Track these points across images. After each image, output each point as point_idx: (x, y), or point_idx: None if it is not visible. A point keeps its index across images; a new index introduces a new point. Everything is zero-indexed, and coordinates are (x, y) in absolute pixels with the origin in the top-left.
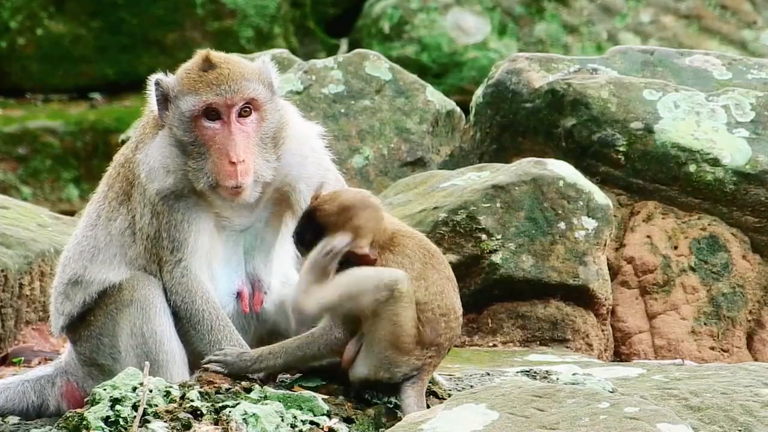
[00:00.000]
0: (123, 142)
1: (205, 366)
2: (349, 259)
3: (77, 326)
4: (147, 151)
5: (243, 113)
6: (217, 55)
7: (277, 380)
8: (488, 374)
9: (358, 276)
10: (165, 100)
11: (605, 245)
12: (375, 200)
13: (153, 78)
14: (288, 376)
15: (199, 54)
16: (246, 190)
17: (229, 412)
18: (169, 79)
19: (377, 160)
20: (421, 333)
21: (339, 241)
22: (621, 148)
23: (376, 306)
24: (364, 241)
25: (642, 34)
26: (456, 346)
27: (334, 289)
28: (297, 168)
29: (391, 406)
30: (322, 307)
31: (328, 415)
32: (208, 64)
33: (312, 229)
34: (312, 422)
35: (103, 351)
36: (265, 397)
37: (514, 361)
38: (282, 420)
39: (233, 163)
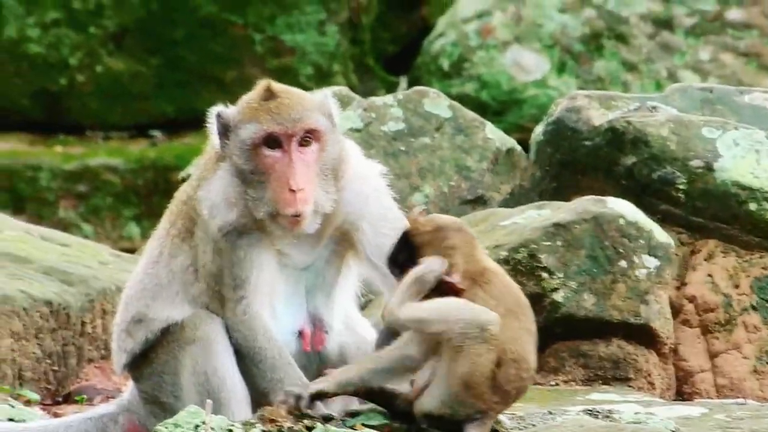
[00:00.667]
0: (183, 179)
1: (281, 401)
2: (439, 287)
3: (139, 364)
4: (208, 187)
5: (303, 143)
6: (278, 86)
7: (339, 419)
8: (550, 413)
9: (457, 304)
10: (226, 131)
11: (667, 284)
12: (470, 230)
13: (213, 110)
14: (356, 407)
15: (261, 84)
16: (305, 219)
17: None
18: (229, 111)
19: (437, 198)
20: (495, 376)
21: (437, 263)
22: (681, 186)
23: (462, 340)
24: (455, 268)
25: (701, 71)
26: None
27: (431, 308)
28: (359, 206)
29: None
30: (413, 318)
31: None
32: (269, 94)
33: (406, 250)
34: None
35: (164, 389)
36: None
37: (576, 400)
38: None
39: (292, 191)
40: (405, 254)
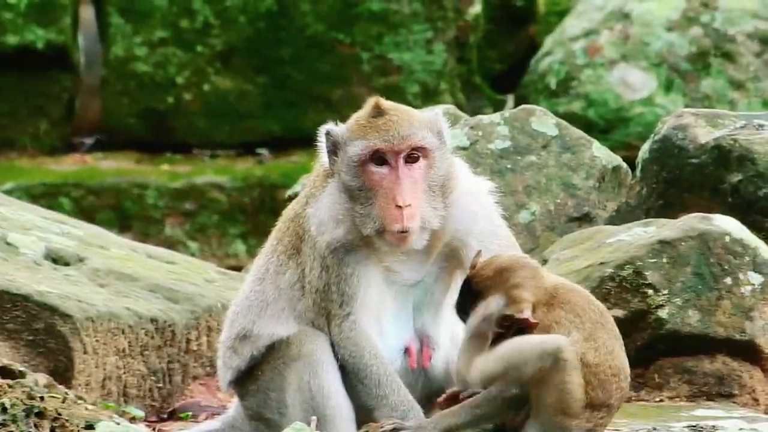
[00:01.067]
0: (290, 197)
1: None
2: (514, 326)
3: (244, 381)
4: (317, 204)
5: (410, 159)
6: (387, 103)
7: None
8: (655, 429)
9: (520, 344)
10: (335, 148)
11: None
12: (531, 261)
13: (323, 128)
14: None
15: (369, 102)
16: (412, 235)
17: None
18: (338, 128)
19: (543, 216)
20: (591, 396)
21: (494, 304)
22: None
23: (541, 374)
24: (524, 304)
25: None
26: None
27: (496, 359)
28: (467, 223)
29: None
30: (485, 377)
31: None
32: (377, 111)
33: (470, 296)
34: None
35: (270, 405)
36: None
37: (680, 416)
38: None
39: (399, 207)
40: (469, 301)
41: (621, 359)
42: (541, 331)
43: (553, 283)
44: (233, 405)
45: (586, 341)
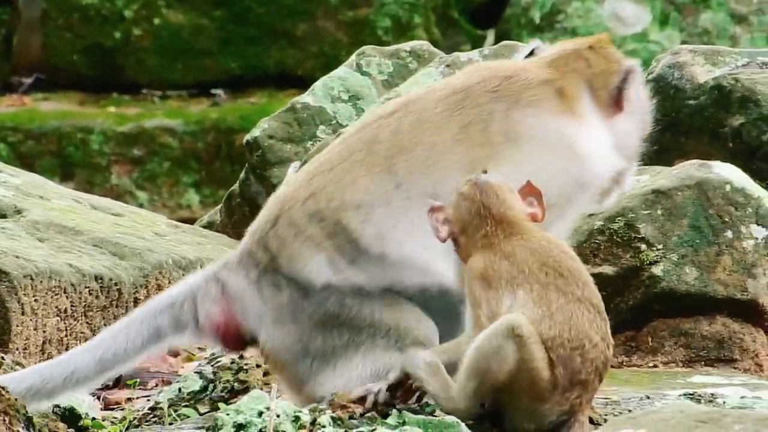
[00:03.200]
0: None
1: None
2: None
3: None
4: None
5: None
6: None
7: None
8: (648, 398)
9: (478, 347)
10: None
11: None
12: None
13: None
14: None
15: None
16: None
17: None
18: None
19: None
20: (554, 375)
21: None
22: None
23: (511, 363)
24: (439, 214)
25: None
26: (613, 366)
27: (466, 377)
28: None
29: None
30: (469, 399)
31: None
32: None
33: None
34: None
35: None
36: (404, 423)
37: (676, 383)
38: None
39: None
40: None
41: (583, 326)
42: (474, 276)
43: (518, 231)
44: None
45: (536, 305)
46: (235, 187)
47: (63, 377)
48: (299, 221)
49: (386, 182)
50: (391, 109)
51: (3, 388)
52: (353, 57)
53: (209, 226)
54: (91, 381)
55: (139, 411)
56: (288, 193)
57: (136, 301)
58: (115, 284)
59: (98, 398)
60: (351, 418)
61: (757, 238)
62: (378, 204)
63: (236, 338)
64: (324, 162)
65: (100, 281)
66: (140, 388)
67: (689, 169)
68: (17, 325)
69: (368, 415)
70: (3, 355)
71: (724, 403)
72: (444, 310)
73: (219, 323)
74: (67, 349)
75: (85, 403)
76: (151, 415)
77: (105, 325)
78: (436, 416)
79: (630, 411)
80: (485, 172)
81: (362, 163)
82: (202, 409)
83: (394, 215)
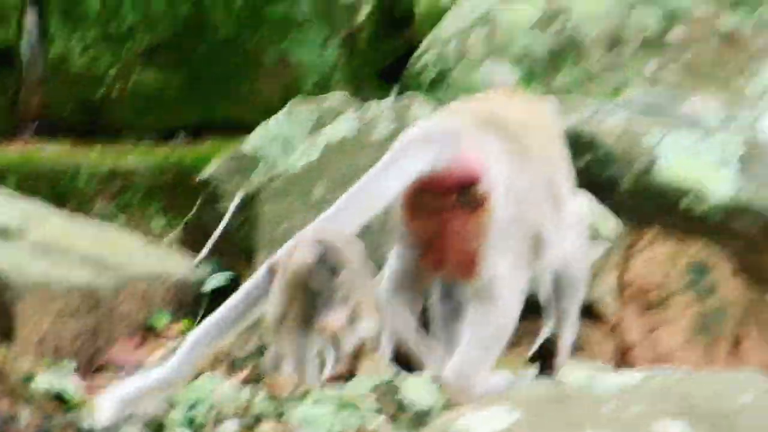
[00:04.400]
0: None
1: None
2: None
3: None
4: None
5: None
6: None
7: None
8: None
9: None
10: None
11: (613, 267)
12: None
13: None
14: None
15: None
16: None
17: (289, 414)
18: None
19: None
20: None
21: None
22: (627, 183)
23: None
24: None
25: (647, 83)
26: None
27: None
28: None
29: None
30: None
31: (379, 412)
32: None
33: None
34: (361, 422)
35: None
36: (321, 401)
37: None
38: (334, 421)
39: None
40: None
41: None
42: None
43: None
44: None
45: None
46: (191, 216)
47: None
48: None
49: None
50: None
51: (2, 371)
52: (286, 108)
53: (172, 244)
54: None
55: None
56: None
57: (113, 306)
58: (98, 291)
59: (83, 380)
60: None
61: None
62: None
63: None
64: None
65: (85, 288)
66: (117, 374)
67: None
68: (20, 326)
69: (296, 392)
70: (7, 349)
71: (569, 383)
72: None
73: None
74: (59, 346)
75: (72, 386)
76: None
77: (89, 324)
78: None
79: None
80: None
81: None
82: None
83: None
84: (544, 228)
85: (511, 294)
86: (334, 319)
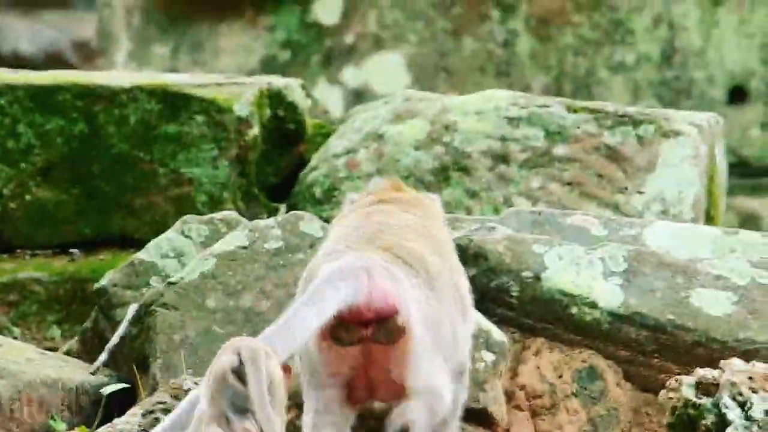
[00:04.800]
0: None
1: None
2: None
3: None
4: None
5: None
6: None
7: None
8: None
9: None
10: None
11: (501, 375)
12: None
13: None
14: None
15: None
16: None
17: None
18: None
19: None
20: None
21: None
22: (514, 293)
23: None
24: None
25: (532, 198)
26: None
27: None
28: None
29: None
30: None
31: None
32: None
33: None
34: None
35: None
36: None
37: None
38: None
39: None
40: None
41: None
42: None
43: None
44: None
45: None
46: (88, 323)
47: None
48: None
49: None
50: None
51: None
52: (178, 223)
53: (68, 353)
54: None
55: None
56: None
57: (12, 411)
58: None
59: None
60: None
61: (486, 361)
62: None
63: None
64: None
65: None
66: None
67: None
68: None
69: None
70: None
71: None
72: None
73: None
74: None
75: None
76: None
77: None
78: None
79: None
80: None
81: None
82: None
83: None
84: (461, 348)
85: (449, 397)
86: (243, 427)
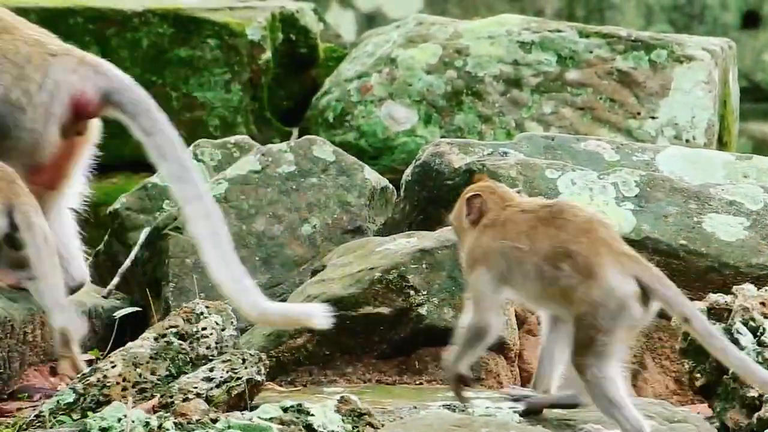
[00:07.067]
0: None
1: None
2: None
3: None
4: None
5: None
6: None
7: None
8: (415, 407)
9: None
10: None
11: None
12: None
13: None
14: None
15: None
16: None
17: None
18: None
19: (323, 229)
20: None
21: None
22: None
23: None
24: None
25: (544, 123)
26: (387, 383)
27: None
28: None
29: None
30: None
31: None
32: None
33: None
34: None
35: None
36: (229, 427)
37: (437, 396)
38: None
39: None
40: None
41: None
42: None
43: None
44: None
45: None
46: (101, 246)
47: None
48: None
49: None
50: None
51: None
52: (191, 148)
53: None
54: None
55: (26, 418)
56: None
57: (25, 334)
58: (9, 321)
59: None
60: (189, 423)
61: None
62: None
63: None
64: None
65: None
66: (28, 401)
67: (447, 233)
68: None
69: (202, 420)
70: None
71: (473, 411)
72: None
73: None
74: None
75: None
76: (36, 421)
77: (1, 352)
78: (252, 422)
79: (401, 418)
80: None
81: None
82: (75, 416)
83: None
84: None
85: None
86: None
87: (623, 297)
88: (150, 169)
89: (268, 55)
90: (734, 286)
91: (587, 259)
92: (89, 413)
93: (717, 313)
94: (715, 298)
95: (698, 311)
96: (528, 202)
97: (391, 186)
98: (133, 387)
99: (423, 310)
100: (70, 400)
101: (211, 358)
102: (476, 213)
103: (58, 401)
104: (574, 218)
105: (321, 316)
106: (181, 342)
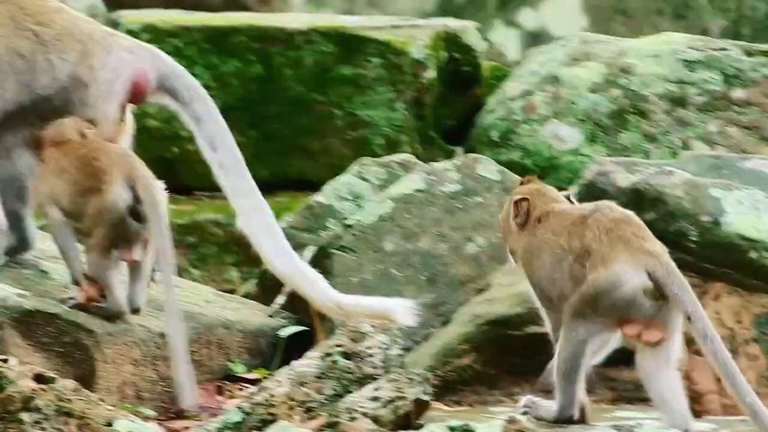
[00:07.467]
0: None
1: None
2: None
3: None
4: None
5: None
6: None
7: None
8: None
9: None
10: None
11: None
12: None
13: None
14: None
15: None
16: None
17: None
18: None
19: (488, 248)
20: None
21: None
22: (693, 238)
23: None
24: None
25: (710, 142)
26: None
27: None
28: None
29: None
30: None
31: None
32: None
33: None
34: None
35: None
36: None
37: (603, 417)
38: None
39: None
40: None
41: None
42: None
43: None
44: None
45: None
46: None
47: None
48: None
49: None
50: None
51: (84, 416)
52: (354, 166)
53: (246, 295)
54: None
55: None
56: None
57: (192, 353)
58: None
59: (162, 426)
60: None
61: None
62: None
63: None
64: None
65: (163, 337)
66: (194, 419)
67: None
68: (101, 371)
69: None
70: (90, 393)
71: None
72: None
73: None
74: (139, 391)
75: (151, 430)
76: None
77: (167, 371)
78: None
79: None
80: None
81: None
82: None
83: None
84: None
85: None
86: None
87: (631, 289)
88: (314, 188)
89: (431, 73)
90: None
91: (602, 254)
92: None
93: None
94: None
95: (703, 312)
96: (573, 206)
97: None
98: (300, 406)
99: None
100: (237, 419)
101: (376, 377)
102: (523, 216)
103: (224, 420)
104: (603, 218)
105: (403, 312)
106: (346, 361)
